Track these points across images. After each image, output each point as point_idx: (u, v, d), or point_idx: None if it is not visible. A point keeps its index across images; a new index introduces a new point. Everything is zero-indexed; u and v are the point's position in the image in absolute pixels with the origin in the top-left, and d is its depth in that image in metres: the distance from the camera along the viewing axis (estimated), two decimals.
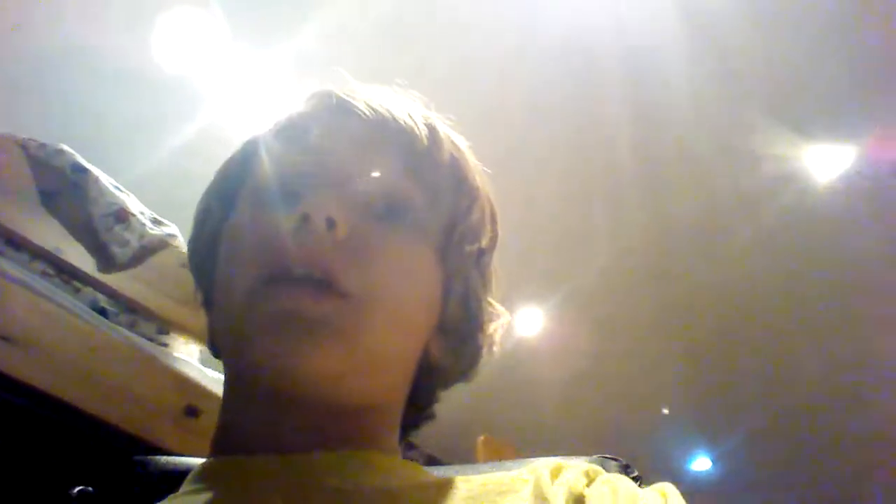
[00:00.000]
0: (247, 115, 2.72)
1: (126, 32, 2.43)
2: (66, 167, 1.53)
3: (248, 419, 0.53)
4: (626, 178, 2.84)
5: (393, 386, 0.56)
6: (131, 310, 1.51)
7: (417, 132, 0.57)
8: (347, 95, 0.58)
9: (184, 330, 1.57)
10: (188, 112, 2.61)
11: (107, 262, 1.47)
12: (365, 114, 0.56)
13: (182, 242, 1.69)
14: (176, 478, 0.57)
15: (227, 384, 0.57)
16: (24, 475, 1.21)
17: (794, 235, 3.03)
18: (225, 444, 0.55)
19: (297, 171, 0.55)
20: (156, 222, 1.58)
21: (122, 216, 1.52)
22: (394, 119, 0.56)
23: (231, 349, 0.55)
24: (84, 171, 1.56)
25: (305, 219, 0.50)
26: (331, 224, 0.50)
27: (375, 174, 0.55)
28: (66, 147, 1.56)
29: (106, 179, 1.56)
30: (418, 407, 0.61)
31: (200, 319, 1.63)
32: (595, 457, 0.60)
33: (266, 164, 0.58)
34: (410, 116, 0.57)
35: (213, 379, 1.57)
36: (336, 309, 0.49)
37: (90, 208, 1.51)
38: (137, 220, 1.53)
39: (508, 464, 0.59)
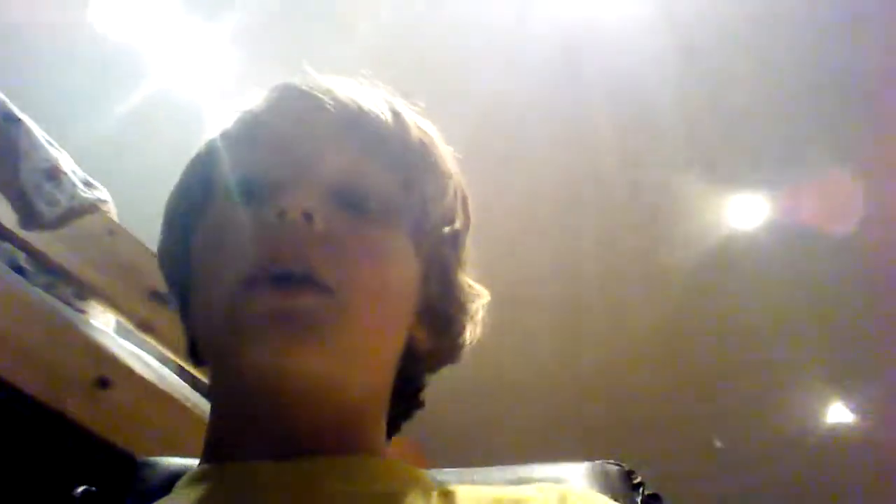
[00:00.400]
0: (190, 84, 2.66)
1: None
2: None
3: (238, 425, 0.52)
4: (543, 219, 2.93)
5: (379, 377, 0.56)
6: (51, 271, 1.45)
7: (383, 119, 0.56)
8: (310, 87, 0.57)
9: (103, 298, 1.52)
10: (131, 80, 2.53)
11: (31, 219, 1.41)
12: (329, 105, 0.56)
13: (112, 208, 1.63)
14: (177, 477, 0.57)
15: (214, 390, 0.56)
16: (27, 475, 1.17)
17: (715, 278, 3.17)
18: (216, 450, 0.54)
19: (266, 169, 0.55)
20: (88, 185, 1.52)
21: (53, 173, 1.45)
22: (359, 108, 0.56)
23: (216, 356, 0.54)
24: (16, 120, 1.48)
25: (281, 214, 0.50)
26: (308, 218, 0.50)
27: (345, 165, 0.55)
28: None
29: (39, 133, 1.49)
30: (407, 395, 0.61)
31: (121, 289, 1.58)
32: (598, 462, 0.62)
33: (233, 162, 0.57)
34: (375, 104, 0.57)
35: (128, 351, 1.52)
36: (319, 304, 0.49)
37: (19, 161, 1.44)
38: (69, 179, 1.47)
39: (512, 468, 0.61)
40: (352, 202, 0.54)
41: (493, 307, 0.63)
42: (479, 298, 0.62)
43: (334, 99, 0.56)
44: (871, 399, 3.71)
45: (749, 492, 4.11)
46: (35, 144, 1.47)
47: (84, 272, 1.48)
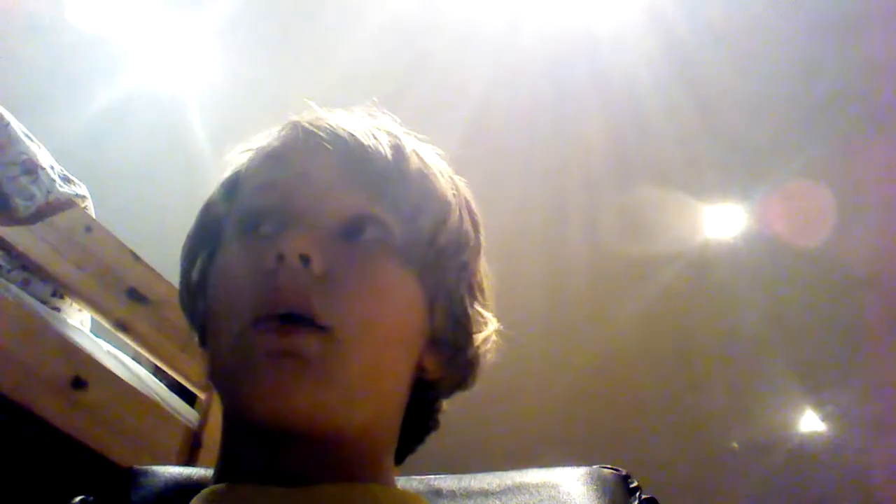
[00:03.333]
0: (169, 78, 2.63)
1: None
2: None
3: (247, 453, 0.54)
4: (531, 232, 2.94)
5: (386, 412, 0.57)
6: (26, 268, 1.41)
7: (382, 154, 0.57)
8: (312, 125, 0.59)
9: (79, 296, 1.49)
10: (108, 74, 2.49)
11: (6, 213, 1.38)
12: (330, 143, 0.57)
13: (90, 205, 1.60)
14: (173, 488, 0.58)
15: (225, 418, 0.57)
16: (23, 484, 1.14)
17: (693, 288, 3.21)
18: (228, 473, 0.55)
19: (270, 211, 0.56)
20: (66, 180, 1.50)
21: (30, 167, 1.42)
22: (360, 146, 0.57)
23: (224, 390, 0.56)
24: None
25: (280, 258, 0.51)
26: (305, 261, 0.51)
27: (346, 204, 0.56)
28: None
29: (17, 126, 1.46)
30: (419, 421, 0.61)
31: (98, 287, 1.55)
32: (595, 467, 0.62)
33: (240, 205, 0.59)
34: (375, 138, 0.58)
35: (104, 351, 1.49)
36: (318, 343, 0.50)
37: None
38: (47, 174, 1.44)
39: (509, 474, 0.60)
40: (352, 240, 0.55)
41: None
42: (487, 327, 0.62)
43: (336, 138, 0.57)
44: (843, 408, 3.77)
45: (723, 497, 4.15)
46: (12, 137, 1.44)
47: (60, 269, 1.45)
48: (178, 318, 1.60)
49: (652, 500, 0.60)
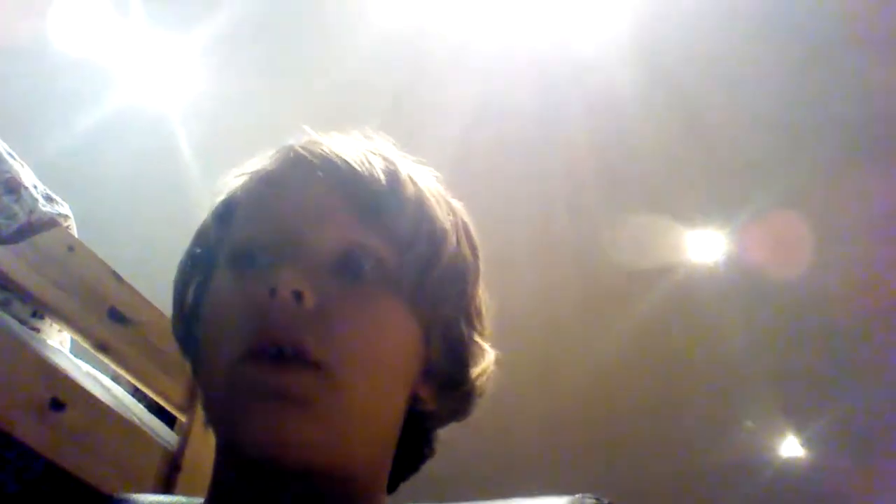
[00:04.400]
0: (152, 98, 2.63)
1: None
2: None
3: (239, 486, 0.54)
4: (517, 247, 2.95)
5: (379, 446, 0.56)
6: (6, 287, 1.40)
7: (377, 181, 0.57)
8: (307, 151, 0.58)
9: (60, 316, 1.47)
10: (91, 95, 2.49)
11: None
12: (323, 171, 0.56)
13: (73, 224, 1.59)
14: None
15: (217, 450, 0.57)
16: None
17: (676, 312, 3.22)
18: (220, 500, 0.55)
19: (262, 242, 0.56)
20: (49, 199, 1.48)
21: (12, 186, 1.41)
22: (351, 171, 0.56)
23: (217, 423, 0.55)
24: None
25: (272, 294, 0.51)
26: (297, 297, 0.51)
27: (339, 236, 0.55)
28: None
29: (0, 145, 1.45)
30: (413, 450, 0.61)
31: (78, 307, 1.53)
32: (577, 496, 0.61)
33: (233, 233, 0.58)
34: (370, 164, 0.57)
35: (83, 372, 1.48)
36: (311, 381, 0.50)
37: None
38: (30, 193, 1.43)
39: (494, 503, 0.60)
40: (346, 272, 0.55)
41: None
42: (484, 358, 0.61)
43: (330, 165, 0.57)
44: (822, 434, 3.79)
45: None
46: None
47: (40, 289, 1.43)
48: (160, 340, 1.60)
49: None
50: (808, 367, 3.42)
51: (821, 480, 3.95)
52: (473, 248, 0.62)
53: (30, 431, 1.23)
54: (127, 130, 2.60)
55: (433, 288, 0.57)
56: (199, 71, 2.59)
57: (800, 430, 3.83)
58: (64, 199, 1.54)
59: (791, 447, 3.92)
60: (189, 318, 0.60)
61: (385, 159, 0.59)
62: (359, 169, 0.57)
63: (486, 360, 0.61)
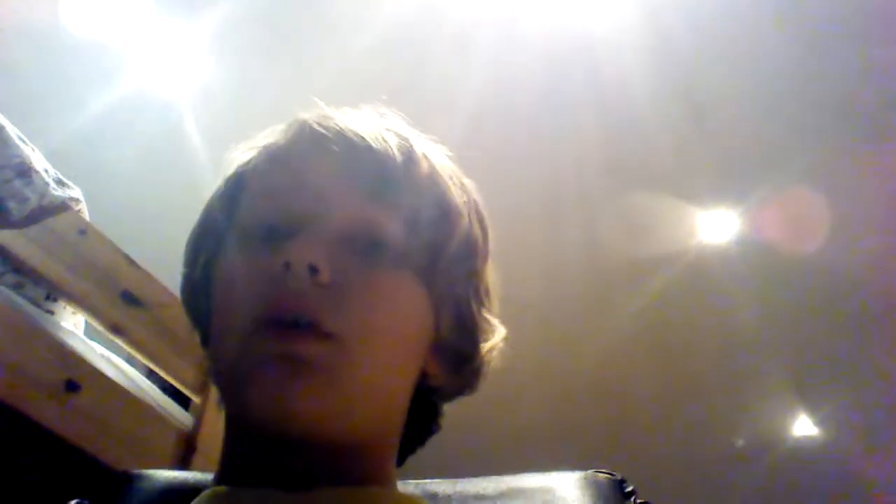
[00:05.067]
0: (164, 82, 2.63)
1: None
2: None
3: (249, 456, 0.54)
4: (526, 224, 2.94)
5: (389, 418, 0.57)
6: (19, 271, 1.41)
7: (392, 158, 0.56)
8: (321, 126, 0.57)
9: (73, 299, 1.48)
10: (103, 79, 2.49)
11: (0, 216, 1.37)
12: (338, 146, 0.56)
13: (84, 208, 1.60)
14: (170, 492, 0.58)
15: (227, 421, 0.57)
16: (18, 488, 1.13)
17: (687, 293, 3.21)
18: (229, 475, 0.55)
19: (277, 215, 0.56)
20: (60, 183, 1.49)
21: (24, 170, 1.42)
22: (367, 147, 0.56)
23: (227, 392, 0.56)
24: None
25: (287, 267, 0.51)
26: (313, 270, 0.51)
27: (353, 210, 0.55)
28: None
29: (11, 129, 1.46)
30: (421, 424, 0.61)
31: (91, 290, 1.55)
32: (590, 472, 0.61)
33: (247, 204, 0.58)
34: (385, 141, 0.57)
35: (98, 354, 1.49)
36: (325, 351, 0.50)
37: None
38: (41, 177, 1.43)
39: (504, 478, 0.60)
40: (359, 248, 0.55)
41: None
42: (494, 334, 0.61)
43: (345, 140, 0.56)
44: (836, 413, 3.78)
45: (716, 499, 4.15)
46: (6, 140, 1.43)
47: (54, 272, 1.44)
48: (173, 322, 1.61)
49: None
50: (822, 346, 3.40)
51: (834, 460, 3.95)
52: (484, 227, 0.62)
53: (45, 412, 1.25)
54: (138, 114, 2.60)
55: (445, 266, 0.57)
56: (209, 55, 2.59)
57: (813, 409, 3.82)
58: (75, 183, 1.55)
59: (804, 427, 3.92)
60: (199, 290, 0.60)
61: (399, 136, 0.58)
62: (374, 145, 0.56)
63: (496, 337, 0.61)
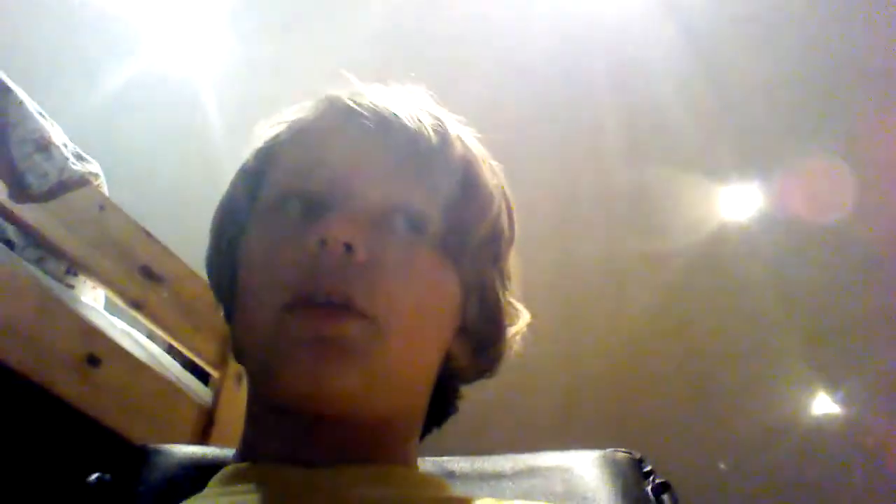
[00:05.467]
0: (186, 59, 2.63)
1: None
2: None
3: (274, 433, 0.54)
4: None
5: (415, 398, 0.57)
6: (40, 245, 1.42)
7: (426, 138, 0.56)
8: (354, 102, 0.56)
9: (93, 273, 1.49)
10: (127, 53, 2.49)
11: (20, 191, 1.38)
12: (371, 122, 0.55)
13: (103, 183, 1.60)
14: (189, 467, 0.58)
15: (252, 398, 0.57)
16: (39, 461, 1.15)
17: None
18: (251, 452, 0.55)
19: (311, 191, 0.55)
20: (79, 158, 1.49)
21: (43, 145, 1.42)
22: (402, 126, 0.55)
23: (257, 370, 0.55)
24: (6, 90, 1.45)
25: (323, 244, 0.50)
26: (349, 249, 0.50)
27: (387, 189, 0.55)
28: None
29: (31, 104, 1.46)
30: (442, 404, 0.61)
31: (111, 265, 1.55)
32: (608, 451, 0.61)
33: (277, 179, 0.57)
34: (419, 121, 0.56)
35: (119, 329, 1.50)
36: (358, 331, 0.50)
37: (9, 131, 1.41)
38: (60, 152, 1.44)
39: (522, 457, 0.61)
40: (394, 227, 0.54)
41: None
42: (519, 319, 0.62)
43: (380, 119, 0.55)
44: (856, 391, 3.75)
45: (735, 480, 4.15)
46: (25, 114, 1.44)
47: (73, 247, 1.45)
48: (191, 297, 1.62)
49: (665, 484, 0.60)
50: (844, 323, 3.37)
51: (854, 438, 3.93)
52: (510, 212, 0.62)
53: (66, 386, 1.26)
54: (156, 89, 2.60)
55: (476, 249, 0.57)
56: (227, 30, 2.58)
57: (834, 387, 3.79)
58: (93, 158, 1.55)
59: (825, 404, 3.89)
60: (225, 264, 0.60)
61: (433, 117, 0.58)
62: (409, 124, 0.55)
63: (521, 323, 0.61)
